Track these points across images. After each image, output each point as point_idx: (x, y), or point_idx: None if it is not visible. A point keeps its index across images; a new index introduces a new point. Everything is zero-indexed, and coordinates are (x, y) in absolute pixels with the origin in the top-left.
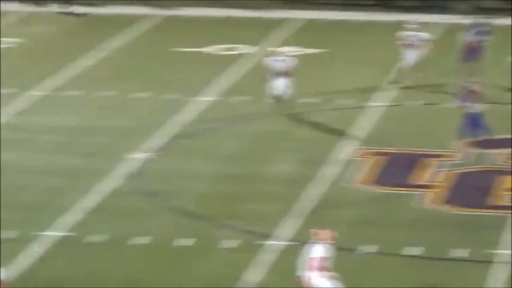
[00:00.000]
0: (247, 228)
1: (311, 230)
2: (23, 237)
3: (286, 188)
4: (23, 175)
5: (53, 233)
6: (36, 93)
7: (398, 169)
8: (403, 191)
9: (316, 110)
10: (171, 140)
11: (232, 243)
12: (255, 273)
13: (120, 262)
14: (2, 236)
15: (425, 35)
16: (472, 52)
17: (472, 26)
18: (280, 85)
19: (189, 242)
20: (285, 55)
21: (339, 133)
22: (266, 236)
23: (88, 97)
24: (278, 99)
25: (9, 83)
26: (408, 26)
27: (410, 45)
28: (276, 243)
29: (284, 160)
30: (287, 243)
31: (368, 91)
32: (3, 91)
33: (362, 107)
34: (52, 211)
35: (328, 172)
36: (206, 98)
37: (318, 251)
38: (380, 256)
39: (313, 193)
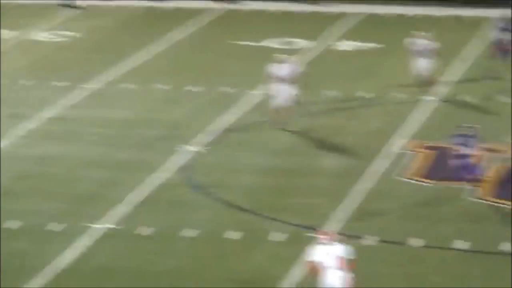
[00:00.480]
0: (295, 221)
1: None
2: (73, 228)
3: (335, 182)
4: (74, 167)
5: (102, 226)
6: (90, 86)
7: (446, 162)
8: (452, 184)
9: (369, 104)
10: (222, 133)
11: (280, 237)
12: (302, 266)
13: (168, 254)
14: (52, 228)
15: (433, 44)
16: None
17: (499, 21)
18: (280, 92)
19: (237, 235)
20: (288, 61)
21: (391, 127)
22: (314, 230)
23: (142, 90)
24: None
25: (64, 77)
26: (417, 33)
27: (420, 53)
28: None
29: (335, 154)
30: None
31: (422, 85)
32: (58, 84)
33: (415, 101)
34: (102, 203)
35: (379, 165)
36: (260, 92)
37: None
38: (429, 249)
39: (362, 187)
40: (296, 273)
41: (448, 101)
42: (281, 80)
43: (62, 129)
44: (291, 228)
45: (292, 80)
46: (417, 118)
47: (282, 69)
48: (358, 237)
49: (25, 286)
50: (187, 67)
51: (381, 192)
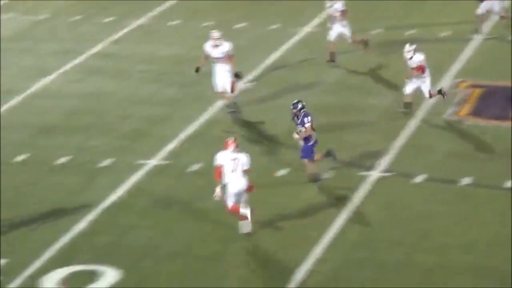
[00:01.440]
0: (346, 159)
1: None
2: (123, 164)
3: (384, 119)
4: (123, 104)
5: (152, 162)
6: (137, 22)
7: (496, 101)
8: (500, 123)
9: (415, 42)
10: (269, 70)
11: (330, 174)
12: (352, 203)
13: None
14: (103, 164)
15: (339, 5)
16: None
17: None
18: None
19: (286, 172)
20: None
21: (440, 65)
22: (363, 167)
23: (188, 27)
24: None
25: (111, 12)
26: None
27: (332, 17)
28: (372, 174)
29: (385, 92)
30: (383, 174)
31: (465, 23)
32: (105, 20)
33: (462, 39)
34: (152, 139)
35: (427, 104)
36: (307, 29)
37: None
38: (478, 187)
39: (413, 125)
40: (347, 211)
41: (495, 38)
42: (216, 60)
43: (110, 66)
44: (340, 165)
45: (226, 60)
46: (466, 56)
47: (217, 49)
48: (408, 175)
49: (78, 221)
50: (233, 4)
51: (432, 131)
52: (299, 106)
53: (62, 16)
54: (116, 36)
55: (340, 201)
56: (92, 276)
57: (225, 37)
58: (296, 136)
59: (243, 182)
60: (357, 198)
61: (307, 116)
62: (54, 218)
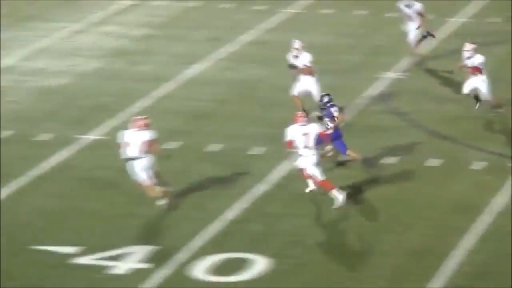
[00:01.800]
0: (497, 150)
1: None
2: (273, 153)
3: None
4: (273, 92)
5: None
6: (290, 10)
7: None
8: None
9: None
10: (422, 60)
11: (481, 165)
12: (503, 195)
13: (370, 181)
14: (253, 152)
15: (418, 6)
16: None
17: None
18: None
19: (437, 162)
20: None
21: None
22: None
23: (340, 16)
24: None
25: (260, 1)
26: None
27: (408, 17)
28: None
29: None
30: None
31: None
32: (258, 7)
33: None
34: None
35: None
36: (459, 19)
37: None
38: None
39: None
40: (497, 202)
41: None
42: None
43: (262, 53)
44: (493, 157)
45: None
46: None
47: (298, 59)
48: None
49: (230, 208)
50: None
51: None
52: (325, 99)
53: (213, 3)
54: (267, 24)
55: (491, 192)
56: (243, 264)
57: (375, 26)
58: (328, 130)
59: (315, 156)
60: (508, 189)
61: (334, 107)
62: (205, 206)
